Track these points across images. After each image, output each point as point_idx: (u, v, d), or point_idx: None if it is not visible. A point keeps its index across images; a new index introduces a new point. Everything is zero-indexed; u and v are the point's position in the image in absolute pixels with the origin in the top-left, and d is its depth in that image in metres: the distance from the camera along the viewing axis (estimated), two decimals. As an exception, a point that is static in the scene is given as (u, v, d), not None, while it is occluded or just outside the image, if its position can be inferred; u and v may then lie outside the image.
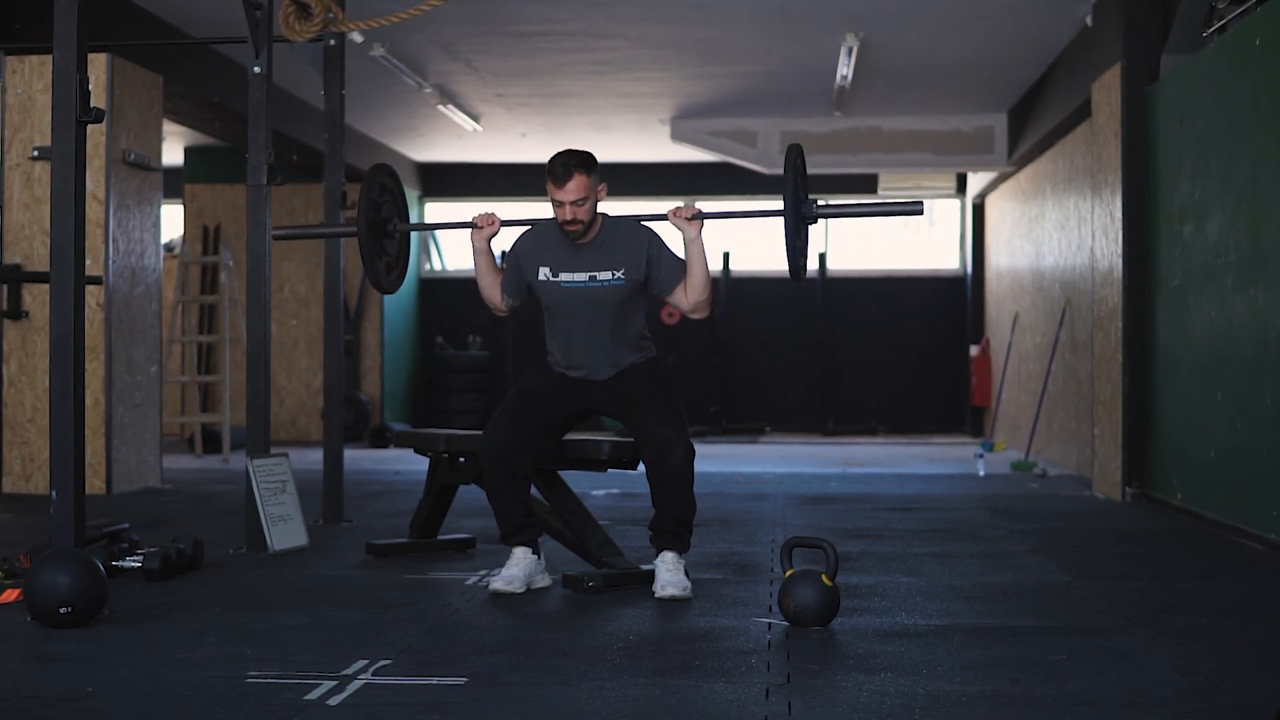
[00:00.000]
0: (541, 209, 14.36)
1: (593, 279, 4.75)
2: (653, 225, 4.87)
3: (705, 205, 14.45)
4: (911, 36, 9.18)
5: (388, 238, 5.13)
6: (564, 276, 4.77)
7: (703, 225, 4.76)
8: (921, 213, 4.74)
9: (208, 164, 12.84)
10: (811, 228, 4.74)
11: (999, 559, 5.51)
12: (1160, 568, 5.34)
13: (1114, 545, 5.94)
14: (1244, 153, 6.04)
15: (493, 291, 4.92)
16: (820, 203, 4.66)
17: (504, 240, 5.01)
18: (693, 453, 4.67)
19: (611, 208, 4.85)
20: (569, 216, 4.70)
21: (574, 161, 4.68)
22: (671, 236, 4.90)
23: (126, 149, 7.88)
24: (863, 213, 5.05)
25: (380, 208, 5.09)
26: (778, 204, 4.70)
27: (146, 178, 8.13)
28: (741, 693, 3.34)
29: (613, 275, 4.74)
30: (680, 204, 4.82)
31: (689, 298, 4.79)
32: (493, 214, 4.92)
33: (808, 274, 4.79)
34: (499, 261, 5.00)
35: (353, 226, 5.10)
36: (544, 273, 4.80)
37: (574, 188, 4.66)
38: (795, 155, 4.62)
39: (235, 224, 12.62)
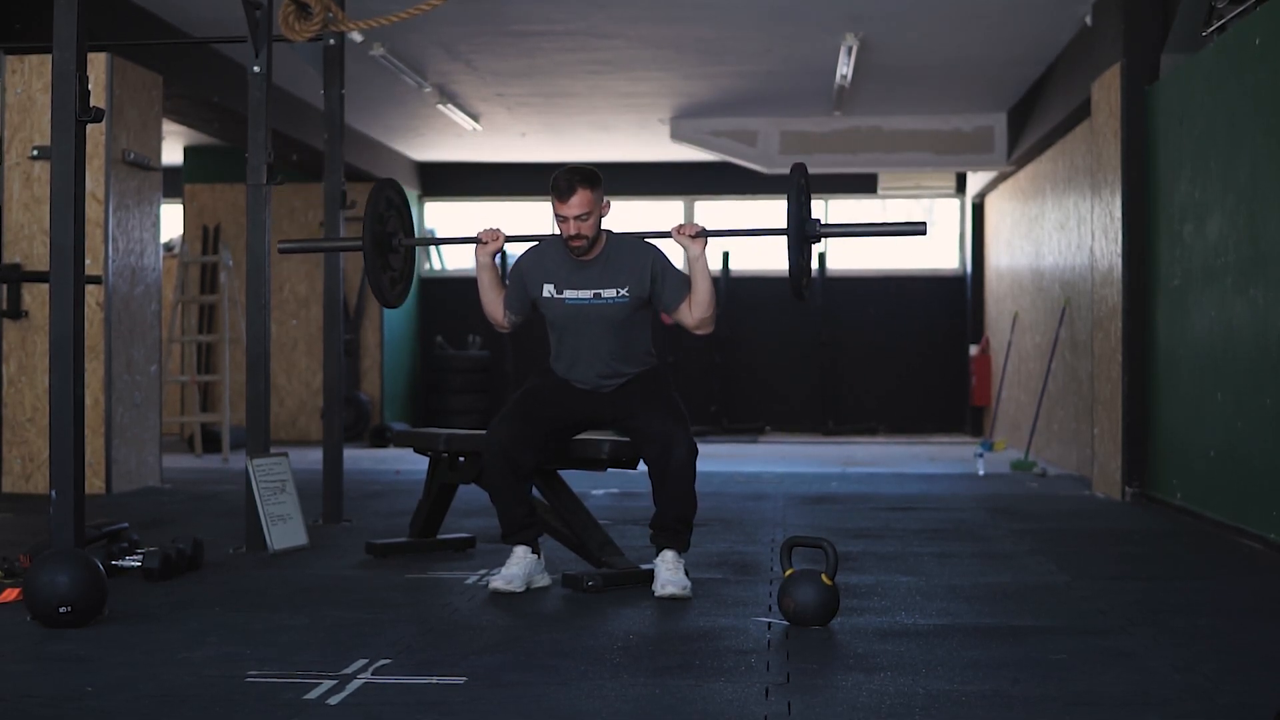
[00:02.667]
0: (541, 208, 14.35)
1: (597, 296, 4.75)
2: (657, 243, 4.89)
3: (705, 204, 14.46)
4: (911, 36, 9.18)
5: (393, 252, 5.15)
6: (568, 294, 4.77)
7: (706, 242, 4.77)
8: (925, 233, 4.76)
9: (208, 164, 12.84)
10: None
11: (999, 559, 5.51)
12: (1160, 568, 5.35)
13: (1114, 545, 5.94)
14: (1244, 153, 6.04)
15: (495, 307, 4.92)
16: (823, 222, 4.68)
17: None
18: (695, 451, 4.68)
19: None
20: (573, 231, 4.69)
21: (577, 177, 4.68)
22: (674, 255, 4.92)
23: (126, 149, 7.88)
24: (866, 233, 5.16)
25: (385, 222, 5.10)
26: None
27: (146, 177, 8.13)
28: (741, 692, 3.34)
29: (617, 293, 4.75)
30: (683, 221, 4.83)
31: (693, 314, 4.80)
32: (497, 229, 4.90)
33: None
34: (503, 279, 4.99)
35: (358, 240, 5.12)
36: (548, 290, 4.80)
37: (577, 202, 4.66)
38: (799, 174, 4.64)
39: (235, 224, 12.62)
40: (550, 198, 4.73)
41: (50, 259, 4.47)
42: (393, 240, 5.14)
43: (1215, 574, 5.23)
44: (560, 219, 4.70)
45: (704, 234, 4.76)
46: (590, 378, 4.82)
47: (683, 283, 4.80)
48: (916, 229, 4.75)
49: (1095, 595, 4.66)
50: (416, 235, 5.32)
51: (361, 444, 12.17)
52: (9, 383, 7.71)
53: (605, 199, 4.75)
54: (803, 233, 4.61)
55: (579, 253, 4.74)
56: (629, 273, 4.76)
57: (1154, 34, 7.46)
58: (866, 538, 6.08)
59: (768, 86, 10.81)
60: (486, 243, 4.88)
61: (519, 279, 4.88)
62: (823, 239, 4.72)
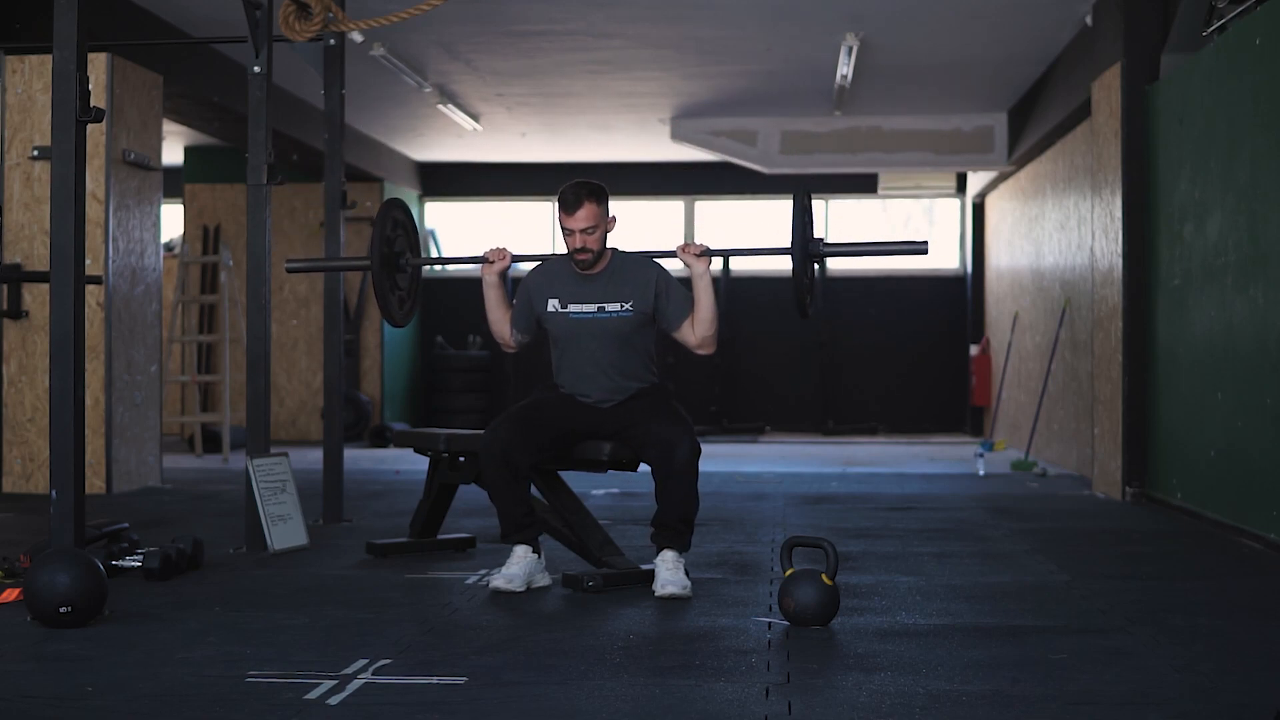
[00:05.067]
0: (541, 208, 14.34)
1: (601, 310, 4.81)
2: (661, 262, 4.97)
3: (705, 204, 14.46)
4: (911, 36, 9.18)
5: (400, 272, 5.19)
6: (573, 308, 4.83)
7: (710, 261, 4.86)
8: (926, 252, 4.85)
9: (208, 164, 12.84)
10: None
11: (999, 559, 5.51)
12: (1160, 568, 5.35)
13: (1114, 545, 5.94)
14: (1244, 153, 6.04)
15: (502, 326, 4.96)
16: (826, 241, 4.82)
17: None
18: (698, 451, 4.71)
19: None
20: (579, 244, 4.75)
21: (585, 190, 4.75)
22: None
23: (126, 149, 7.88)
24: (869, 252, 5.36)
25: (393, 242, 5.16)
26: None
27: (146, 177, 8.13)
28: (741, 692, 3.34)
29: (621, 307, 4.80)
30: (686, 241, 4.93)
31: (696, 332, 4.86)
32: (504, 249, 4.98)
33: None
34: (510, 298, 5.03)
35: (366, 260, 5.18)
36: (553, 304, 4.85)
37: (584, 215, 4.73)
38: (802, 196, 4.77)
39: (235, 224, 12.62)
40: (557, 211, 4.80)
41: (50, 259, 4.47)
42: (400, 260, 5.18)
43: (1215, 574, 5.23)
44: (567, 232, 4.77)
45: (708, 253, 4.85)
46: (592, 392, 4.85)
47: (686, 300, 4.87)
48: (918, 248, 4.83)
49: (1095, 595, 4.66)
50: (420, 243, 5.37)
51: (361, 444, 12.17)
52: (9, 383, 7.71)
53: (612, 215, 4.82)
54: (806, 252, 4.73)
55: (584, 266, 4.80)
56: (633, 288, 4.82)
57: (1154, 34, 7.46)
58: (866, 538, 6.08)
59: (768, 86, 10.81)
60: (493, 262, 4.95)
61: (525, 296, 4.94)
62: (825, 258, 4.86)
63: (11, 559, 4.98)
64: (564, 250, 4.86)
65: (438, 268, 14.78)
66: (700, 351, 4.93)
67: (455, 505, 6.14)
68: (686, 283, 4.90)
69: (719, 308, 4.96)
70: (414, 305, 5.35)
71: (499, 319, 4.95)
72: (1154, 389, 7.32)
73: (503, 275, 4.97)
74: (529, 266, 5.08)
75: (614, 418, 4.85)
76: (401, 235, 5.21)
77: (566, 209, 4.74)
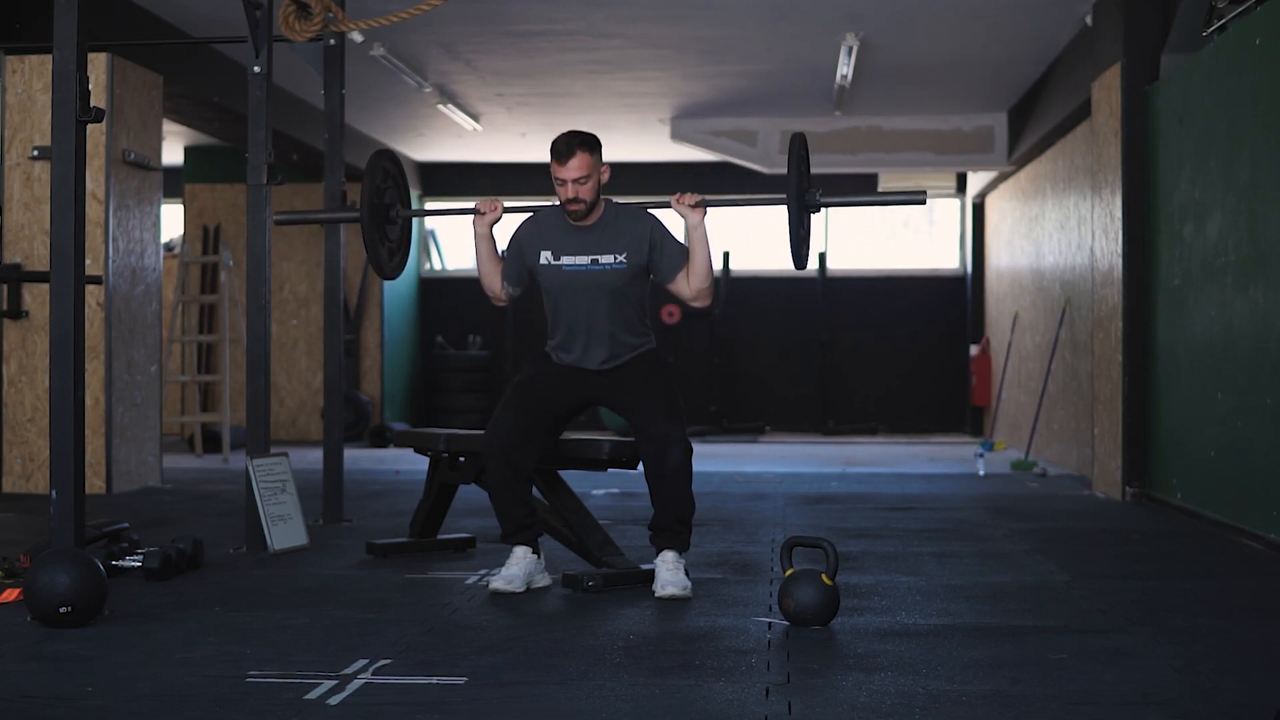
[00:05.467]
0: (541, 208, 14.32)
1: (595, 262, 4.74)
2: (656, 213, 4.90)
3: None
4: (911, 36, 9.18)
5: (390, 224, 5.13)
6: (565, 260, 4.76)
7: (705, 212, 4.80)
8: (924, 202, 4.79)
9: (208, 164, 12.84)
10: (813, 222, 4.79)
11: (999, 559, 5.51)
12: (1160, 568, 5.34)
13: (1114, 545, 5.94)
14: (1244, 153, 6.04)
15: (493, 279, 4.90)
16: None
17: (505, 228, 4.99)
18: (690, 450, 4.68)
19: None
20: (571, 195, 4.69)
21: (577, 140, 4.70)
22: (674, 224, 4.93)
23: (126, 149, 7.88)
24: (865, 202, 5.23)
25: (383, 193, 5.09)
26: (781, 197, 4.76)
27: (146, 177, 8.13)
28: (741, 692, 3.34)
29: (615, 259, 4.74)
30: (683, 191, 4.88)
31: (691, 285, 4.80)
32: (496, 200, 4.91)
33: (808, 273, 4.84)
34: (500, 251, 4.98)
35: (355, 212, 5.11)
36: (545, 256, 4.78)
37: (576, 165, 4.67)
38: (798, 144, 4.66)
39: (235, 224, 12.62)
40: (550, 162, 4.72)
41: (50, 259, 4.47)
42: (390, 211, 5.13)
43: (1215, 574, 5.23)
44: (559, 182, 4.70)
45: (703, 203, 4.79)
46: (588, 351, 4.78)
47: (680, 252, 4.81)
48: (916, 198, 4.79)
49: (1095, 595, 4.66)
50: (410, 197, 5.30)
51: (361, 444, 12.17)
52: (9, 383, 7.71)
53: (604, 165, 4.76)
54: (803, 201, 4.65)
55: (576, 217, 4.73)
56: (627, 239, 4.75)
57: (1154, 34, 7.46)
58: (866, 538, 6.08)
59: (768, 86, 10.81)
60: (485, 213, 4.88)
61: (517, 248, 4.86)
62: (822, 208, 4.75)
63: (11, 559, 4.98)
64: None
65: (438, 268, 14.78)
66: (696, 304, 4.86)
67: (455, 505, 6.15)
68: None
69: (717, 289, 4.88)
70: (404, 258, 5.27)
71: (489, 272, 4.89)
72: (1154, 389, 7.33)
73: (493, 226, 4.89)
74: (522, 219, 5.00)
75: (608, 386, 4.78)
76: (391, 186, 5.16)
77: (558, 158, 4.68)
